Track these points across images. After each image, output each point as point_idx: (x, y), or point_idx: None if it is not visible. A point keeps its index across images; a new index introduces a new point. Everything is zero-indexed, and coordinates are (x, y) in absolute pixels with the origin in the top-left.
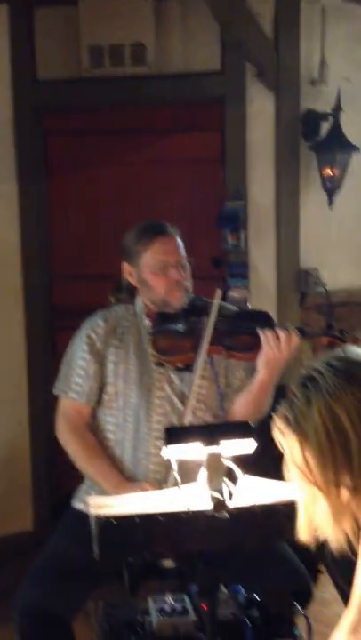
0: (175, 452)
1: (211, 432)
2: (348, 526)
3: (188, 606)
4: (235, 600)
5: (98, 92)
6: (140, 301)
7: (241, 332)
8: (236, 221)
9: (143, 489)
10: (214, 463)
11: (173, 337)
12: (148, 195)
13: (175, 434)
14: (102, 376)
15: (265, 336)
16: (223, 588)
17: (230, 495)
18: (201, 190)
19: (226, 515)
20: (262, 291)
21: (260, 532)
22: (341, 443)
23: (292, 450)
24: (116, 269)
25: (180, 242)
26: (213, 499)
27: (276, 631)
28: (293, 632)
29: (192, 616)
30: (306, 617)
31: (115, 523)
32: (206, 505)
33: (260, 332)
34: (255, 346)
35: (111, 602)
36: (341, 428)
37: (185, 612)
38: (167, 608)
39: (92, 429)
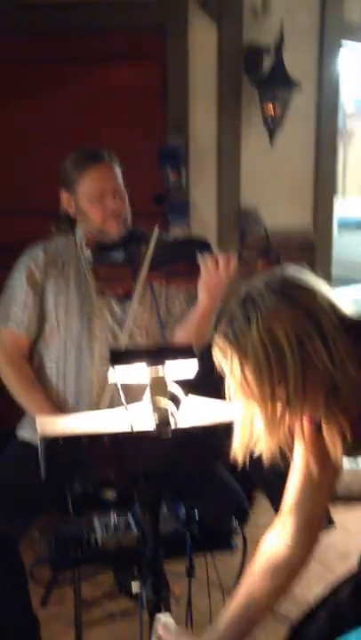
0: (120, 374)
1: (155, 354)
2: (281, 438)
3: (132, 523)
4: (175, 517)
5: (34, 18)
6: (80, 231)
7: (180, 258)
8: (178, 158)
9: None
10: (158, 385)
11: (114, 266)
12: (86, 127)
13: (120, 355)
14: (42, 307)
15: (204, 261)
16: (164, 508)
17: (173, 416)
18: (142, 124)
19: (169, 434)
20: (203, 229)
21: (200, 452)
22: (278, 359)
23: (232, 366)
24: (55, 204)
25: (117, 170)
26: (157, 420)
27: (214, 544)
28: (231, 544)
29: (135, 532)
30: (242, 532)
31: (61, 443)
32: (150, 426)
33: (199, 258)
34: (195, 272)
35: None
36: (279, 347)
37: (129, 528)
38: (111, 525)
39: (34, 363)
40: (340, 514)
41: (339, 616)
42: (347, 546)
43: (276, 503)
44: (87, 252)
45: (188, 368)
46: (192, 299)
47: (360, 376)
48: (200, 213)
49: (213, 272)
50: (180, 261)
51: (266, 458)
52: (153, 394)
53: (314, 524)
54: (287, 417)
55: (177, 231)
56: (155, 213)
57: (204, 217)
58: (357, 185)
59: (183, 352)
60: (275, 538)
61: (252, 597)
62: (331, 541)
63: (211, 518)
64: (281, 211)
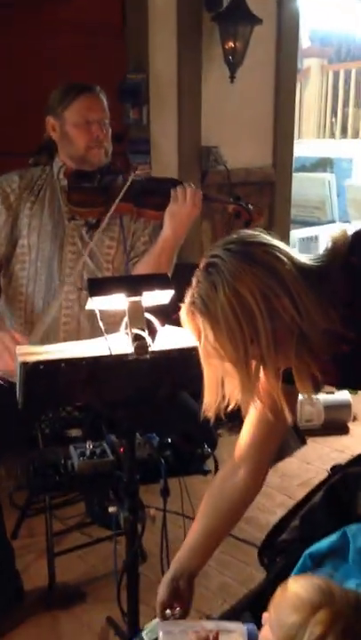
0: (99, 304)
1: (133, 283)
2: (256, 391)
3: (107, 450)
4: (150, 444)
5: None
6: (59, 161)
7: (153, 191)
8: (138, 95)
9: (13, 337)
10: (135, 310)
11: (87, 192)
12: (44, 63)
13: (98, 285)
14: (15, 229)
15: (174, 193)
16: (138, 436)
17: (150, 340)
18: (101, 60)
19: (146, 355)
20: (164, 168)
21: (175, 376)
22: (248, 319)
23: (205, 333)
24: (16, 145)
25: (105, 102)
26: (135, 342)
27: (187, 468)
28: (203, 469)
29: (110, 458)
30: (214, 456)
31: (41, 367)
32: (128, 349)
33: (171, 191)
34: (165, 205)
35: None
36: (247, 306)
37: (104, 454)
38: (87, 452)
39: (3, 284)
40: None
41: (311, 521)
42: (308, 474)
43: None
44: (64, 181)
45: (163, 296)
46: (157, 235)
47: (324, 321)
48: (161, 152)
49: (181, 202)
50: (153, 194)
51: (243, 411)
52: (131, 323)
53: (264, 465)
54: (261, 372)
55: (138, 171)
56: (114, 153)
57: (165, 155)
58: (313, 127)
59: (160, 281)
60: (230, 474)
61: (213, 518)
62: (292, 471)
63: (183, 445)
64: (241, 149)
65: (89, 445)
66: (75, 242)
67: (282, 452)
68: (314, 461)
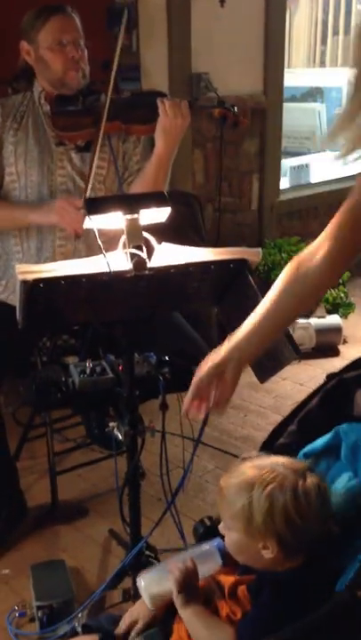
0: (97, 222)
1: (131, 202)
2: None
3: (107, 368)
4: (148, 362)
5: None
6: (39, 86)
7: (138, 105)
8: (127, 20)
9: (69, 202)
10: (133, 228)
11: (73, 115)
12: None
13: (96, 205)
14: (1, 158)
15: (162, 105)
16: (136, 355)
17: (148, 257)
18: None
19: (145, 270)
20: None
21: (172, 294)
22: None
23: None
24: None
25: (78, 23)
26: (133, 258)
27: (185, 383)
28: None
29: (110, 375)
30: None
31: (41, 285)
32: (127, 266)
33: (158, 102)
34: (153, 118)
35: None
36: None
37: (104, 372)
38: (87, 370)
39: None
40: (293, 369)
41: (308, 425)
42: (300, 395)
43: None
44: (46, 106)
45: (161, 214)
46: (148, 154)
47: None
48: (151, 78)
49: (171, 114)
50: (138, 108)
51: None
52: (128, 237)
53: (347, 252)
54: None
55: None
56: (105, 80)
57: (155, 82)
58: (303, 56)
59: (157, 199)
60: (308, 255)
61: (282, 301)
62: (286, 392)
63: (180, 362)
64: (232, 76)
65: (89, 364)
66: (64, 166)
67: (277, 362)
68: (306, 382)
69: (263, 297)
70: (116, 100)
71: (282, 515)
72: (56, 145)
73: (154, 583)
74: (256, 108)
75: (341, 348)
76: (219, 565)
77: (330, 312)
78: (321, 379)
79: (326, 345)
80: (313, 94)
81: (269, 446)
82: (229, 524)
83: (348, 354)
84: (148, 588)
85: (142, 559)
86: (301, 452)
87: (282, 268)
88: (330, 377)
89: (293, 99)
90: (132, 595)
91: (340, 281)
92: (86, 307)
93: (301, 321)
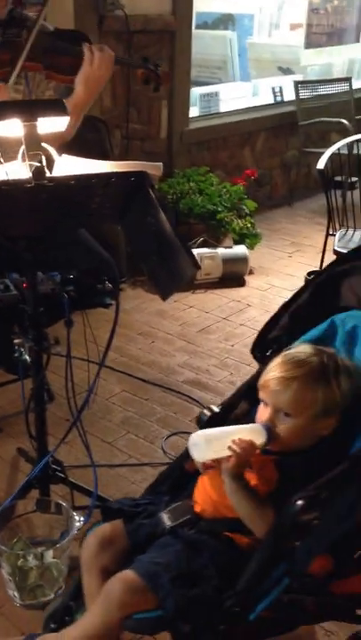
0: None
1: (28, 107)
2: None
3: (10, 286)
4: (52, 280)
5: None
6: None
7: (63, 51)
8: None
9: None
10: (31, 136)
11: None
12: None
13: None
14: None
15: (89, 53)
16: (40, 274)
17: (49, 168)
18: None
19: (44, 180)
20: (59, 12)
21: (75, 207)
22: None
23: None
24: None
25: None
26: (32, 167)
27: (90, 301)
28: (105, 302)
29: (14, 292)
30: (115, 290)
31: None
32: (26, 174)
33: (85, 49)
34: (75, 68)
35: None
36: None
37: (7, 289)
38: None
39: None
40: (200, 297)
41: (300, 317)
42: (206, 322)
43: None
44: None
45: (59, 123)
46: (61, 92)
47: None
48: None
49: (95, 66)
50: (63, 55)
51: None
52: (27, 149)
53: None
54: None
55: (31, 13)
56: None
57: None
58: None
59: (55, 107)
60: None
61: None
62: (192, 320)
63: (85, 280)
64: None
65: None
66: None
67: (177, 276)
68: (212, 310)
69: (164, 215)
70: (39, 41)
71: (351, 391)
72: None
73: (212, 441)
74: (164, 29)
75: (247, 277)
76: (262, 443)
77: (237, 242)
78: (227, 307)
79: (233, 274)
80: (224, 21)
81: (263, 339)
82: (296, 412)
83: (253, 283)
84: (207, 442)
85: (49, 473)
86: (296, 343)
87: (190, 198)
88: (318, 273)
89: (205, 25)
90: (45, 505)
91: (248, 211)
92: None
93: (209, 250)
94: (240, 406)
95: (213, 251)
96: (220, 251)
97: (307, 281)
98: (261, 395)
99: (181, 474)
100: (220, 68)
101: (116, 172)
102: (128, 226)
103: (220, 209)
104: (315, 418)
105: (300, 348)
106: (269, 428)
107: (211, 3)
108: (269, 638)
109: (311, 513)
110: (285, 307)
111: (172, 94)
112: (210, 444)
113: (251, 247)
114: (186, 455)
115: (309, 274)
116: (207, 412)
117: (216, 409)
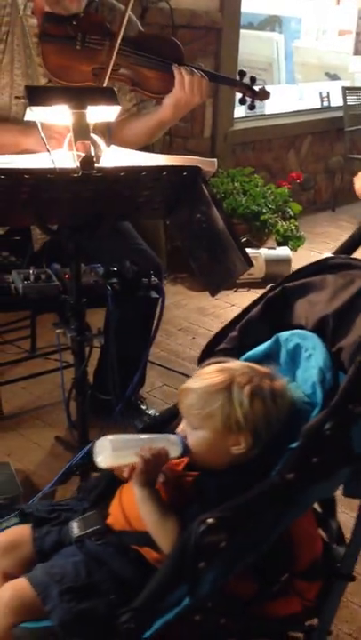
0: (40, 115)
1: (77, 95)
2: None
3: (52, 275)
4: (95, 272)
5: None
6: None
7: (153, 66)
8: None
9: None
10: (80, 124)
11: (68, 54)
12: None
13: (39, 94)
14: None
15: (180, 77)
16: (83, 265)
17: (97, 157)
18: None
19: (92, 170)
20: None
21: (121, 200)
22: None
23: None
24: None
25: None
26: (80, 156)
27: (132, 295)
28: (150, 295)
29: (56, 283)
30: (159, 284)
31: None
32: (73, 164)
33: (175, 71)
34: (165, 88)
35: None
36: None
37: (49, 279)
38: (31, 277)
39: None
40: (241, 296)
41: (248, 331)
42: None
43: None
44: (32, 20)
45: (110, 112)
46: (145, 102)
47: None
48: None
49: (189, 91)
50: (152, 69)
51: None
52: (75, 137)
53: None
54: None
55: None
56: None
57: None
58: None
59: (105, 96)
60: None
61: None
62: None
63: (129, 273)
64: None
65: (32, 271)
66: None
67: (227, 272)
68: None
69: (216, 212)
70: (125, 49)
71: (262, 412)
72: (46, 80)
73: (120, 448)
74: (211, 26)
75: None
76: (178, 455)
77: (280, 244)
78: None
79: (275, 275)
80: (271, 23)
81: (210, 351)
82: (199, 423)
83: None
84: (114, 448)
85: (90, 463)
86: (242, 358)
87: (234, 198)
88: (273, 287)
89: (251, 26)
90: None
91: (292, 214)
92: (29, 208)
93: (252, 251)
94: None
95: (257, 251)
96: (263, 251)
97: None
98: (178, 405)
99: (110, 482)
100: (265, 69)
101: (169, 166)
102: (176, 221)
103: (264, 210)
104: (216, 432)
105: (224, 361)
106: (183, 440)
107: (258, 3)
108: None
109: (219, 534)
110: (236, 319)
111: (216, 94)
112: (116, 450)
113: (294, 249)
114: None
115: (272, 286)
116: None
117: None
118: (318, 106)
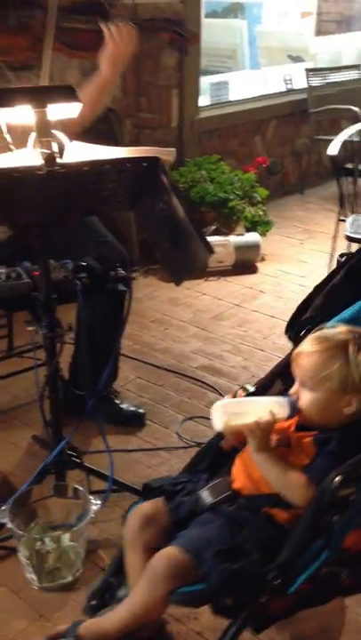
0: (5, 116)
1: (38, 94)
2: None
3: (23, 274)
4: (65, 268)
5: None
6: None
7: (83, 28)
8: None
9: None
10: (42, 122)
11: (7, 33)
12: None
13: (3, 96)
14: None
15: (109, 32)
16: (53, 262)
17: (60, 153)
18: None
19: (56, 166)
20: None
21: (87, 194)
22: None
23: None
24: None
25: None
26: (43, 154)
27: (102, 288)
28: (118, 288)
29: (26, 280)
30: (127, 276)
31: None
32: (38, 161)
33: (103, 27)
34: (98, 45)
35: None
36: None
37: (19, 277)
38: (2, 276)
39: None
40: (212, 285)
41: (333, 298)
42: (219, 309)
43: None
44: None
45: (70, 109)
46: (87, 68)
47: None
48: None
49: (119, 41)
50: (83, 31)
51: None
52: (38, 135)
53: None
54: None
55: None
56: None
57: None
58: None
59: (66, 93)
60: None
61: None
62: (205, 307)
63: (98, 267)
64: None
65: (2, 270)
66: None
67: (191, 261)
68: (225, 297)
69: (177, 201)
70: (57, 20)
71: None
72: None
73: (233, 411)
74: (174, 18)
75: (259, 265)
76: (286, 416)
77: (249, 230)
78: (239, 294)
79: (245, 262)
80: (234, 10)
81: (295, 321)
82: (315, 385)
83: (265, 270)
84: (227, 412)
85: (65, 458)
86: (332, 322)
87: (202, 186)
88: (352, 255)
89: (214, 14)
90: (63, 490)
91: (259, 199)
92: None
93: (221, 238)
94: (275, 386)
95: (225, 239)
96: (232, 238)
97: (339, 263)
98: (292, 369)
99: (218, 452)
100: (230, 57)
101: (129, 158)
102: (140, 212)
103: (231, 197)
104: (331, 393)
105: (332, 327)
106: (293, 401)
107: None
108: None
109: (348, 488)
110: (318, 288)
111: (182, 83)
112: (229, 413)
113: (263, 234)
114: (221, 434)
115: (341, 255)
116: (242, 392)
117: (251, 388)
118: (283, 89)
